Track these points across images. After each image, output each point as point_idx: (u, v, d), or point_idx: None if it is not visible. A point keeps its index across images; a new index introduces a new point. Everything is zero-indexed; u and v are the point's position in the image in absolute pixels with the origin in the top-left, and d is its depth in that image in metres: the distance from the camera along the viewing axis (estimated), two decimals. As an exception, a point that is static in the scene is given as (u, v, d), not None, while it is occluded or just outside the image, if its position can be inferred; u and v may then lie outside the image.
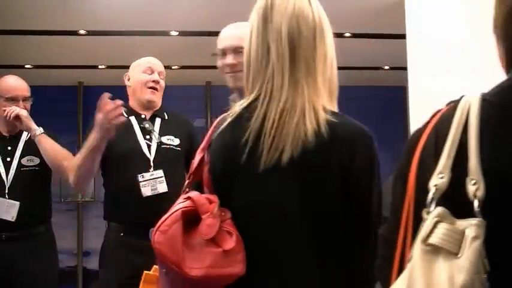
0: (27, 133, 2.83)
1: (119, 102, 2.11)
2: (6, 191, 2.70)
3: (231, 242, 1.09)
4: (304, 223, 1.13)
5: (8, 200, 2.68)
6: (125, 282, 2.24)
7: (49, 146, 2.70)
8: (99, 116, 2.13)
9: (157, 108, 2.51)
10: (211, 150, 1.21)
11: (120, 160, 2.36)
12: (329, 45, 1.23)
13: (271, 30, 1.19)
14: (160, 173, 2.34)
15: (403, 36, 3.58)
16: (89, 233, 5.98)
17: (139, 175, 2.32)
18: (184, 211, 1.11)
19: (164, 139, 2.42)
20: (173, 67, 5.38)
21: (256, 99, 1.18)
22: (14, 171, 2.73)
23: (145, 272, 1.57)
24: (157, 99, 2.50)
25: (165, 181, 2.34)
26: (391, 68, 5.62)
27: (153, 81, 2.47)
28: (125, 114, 2.41)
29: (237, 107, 1.21)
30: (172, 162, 2.39)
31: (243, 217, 1.14)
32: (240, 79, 1.49)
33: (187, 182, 1.24)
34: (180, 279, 1.08)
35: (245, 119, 1.17)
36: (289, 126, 1.13)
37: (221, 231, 1.10)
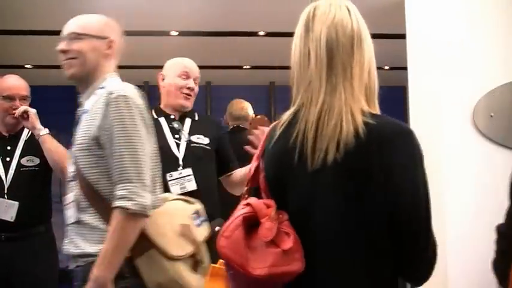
0: (26, 133, 2.83)
1: None
2: (5, 191, 2.69)
3: (289, 242, 1.17)
4: (353, 220, 1.20)
5: (6, 200, 2.68)
6: None
7: (53, 147, 2.71)
8: None
9: (188, 110, 2.54)
10: (265, 157, 1.30)
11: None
12: (367, 52, 1.33)
13: (311, 38, 1.28)
14: (189, 171, 2.37)
15: (403, 36, 3.58)
16: (89, 233, 5.98)
17: (167, 174, 2.33)
18: (245, 217, 1.21)
19: (194, 138, 2.45)
20: (173, 67, 5.39)
21: (302, 104, 1.26)
22: (13, 171, 2.73)
23: (212, 265, 1.66)
24: (190, 104, 2.52)
25: (193, 179, 2.36)
26: (391, 68, 5.62)
27: (188, 87, 2.48)
28: (154, 115, 2.47)
29: (286, 114, 1.29)
30: (201, 160, 2.42)
31: (298, 218, 1.21)
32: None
33: (245, 189, 1.33)
34: (245, 279, 1.17)
35: (292, 124, 1.25)
36: (328, 128, 1.20)
37: (279, 233, 1.18)
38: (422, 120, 3.36)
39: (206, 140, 2.47)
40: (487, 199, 3.16)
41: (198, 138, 2.45)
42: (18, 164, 2.75)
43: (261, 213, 1.20)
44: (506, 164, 3.18)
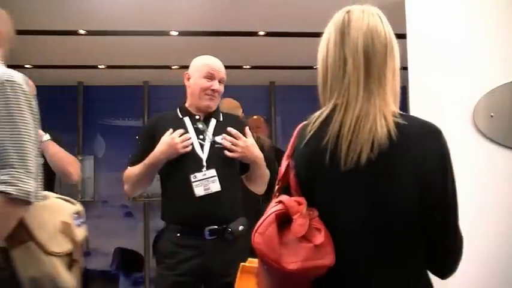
0: None
1: (188, 136, 2.36)
2: None
3: (320, 237, 1.23)
4: (382, 218, 1.25)
5: None
6: (178, 279, 2.31)
7: (55, 153, 2.71)
8: (167, 145, 2.32)
9: (212, 110, 2.54)
10: (296, 156, 1.36)
11: (174, 161, 2.38)
12: (397, 60, 1.39)
13: (347, 43, 1.33)
14: (213, 172, 2.36)
15: (403, 36, 3.57)
16: (89, 233, 5.97)
17: (191, 175, 2.34)
18: (277, 214, 1.27)
19: (218, 138, 2.44)
20: (173, 67, 5.38)
21: (335, 107, 1.33)
22: None
23: (241, 264, 1.71)
24: (214, 105, 2.52)
25: (217, 180, 2.36)
26: (391, 68, 5.62)
27: (212, 89, 2.48)
28: (179, 114, 2.49)
29: (316, 115, 1.37)
30: (225, 162, 2.41)
31: (327, 215, 1.27)
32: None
33: (276, 187, 1.38)
34: (279, 273, 1.23)
35: (325, 125, 1.32)
36: (364, 132, 1.26)
37: (311, 228, 1.24)
38: (423, 120, 3.36)
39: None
40: (487, 199, 3.16)
41: (222, 139, 2.43)
42: None
43: (292, 210, 1.26)
44: (506, 164, 3.18)
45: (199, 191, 2.33)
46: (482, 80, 3.21)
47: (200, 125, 2.46)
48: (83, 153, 6.02)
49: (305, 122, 1.41)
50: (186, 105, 2.53)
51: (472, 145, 3.18)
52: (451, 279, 3.12)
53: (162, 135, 2.39)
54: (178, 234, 2.35)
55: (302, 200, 1.29)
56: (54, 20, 4.13)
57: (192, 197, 2.32)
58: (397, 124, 1.27)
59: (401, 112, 1.34)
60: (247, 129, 2.47)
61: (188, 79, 2.53)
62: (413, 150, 1.25)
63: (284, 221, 1.27)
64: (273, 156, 3.61)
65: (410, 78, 3.51)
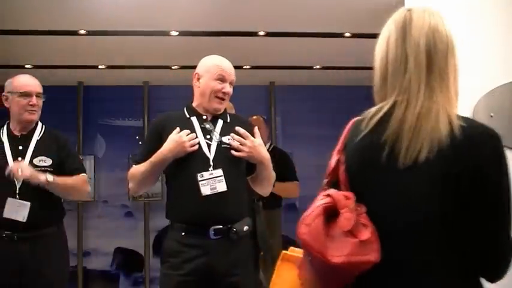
0: (39, 132, 2.84)
1: (194, 135, 2.37)
2: (17, 191, 2.68)
3: (366, 233, 1.23)
4: (435, 219, 1.25)
5: (18, 201, 2.67)
6: (183, 279, 2.31)
7: (60, 187, 2.76)
8: (175, 142, 2.33)
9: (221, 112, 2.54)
10: (348, 151, 1.37)
11: (180, 160, 2.38)
12: (457, 60, 1.37)
13: (409, 41, 1.34)
14: (219, 172, 2.36)
15: (403, 36, 3.58)
16: (89, 233, 5.98)
17: (198, 174, 2.34)
18: (325, 207, 1.27)
19: (225, 139, 2.44)
20: (173, 67, 5.38)
21: (394, 103, 1.33)
22: None
23: (283, 251, 1.69)
24: (223, 107, 2.52)
25: (224, 180, 2.35)
26: (391, 68, 5.62)
27: (224, 92, 2.48)
28: (187, 114, 2.49)
29: (372, 111, 1.38)
30: (232, 162, 2.41)
31: (376, 212, 1.26)
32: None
33: (325, 180, 1.40)
34: (322, 266, 1.23)
35: (384, 121, 1.31)
36: (425, 130, 1.26)
37: (357, 224, 1.24)
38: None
39: (237, 142, 2.45)
40: (487, 199, 3.15)
41: (228, 139, 2.43)
42: (30, 164, 2.73)
43: (340, 204, 1.27)
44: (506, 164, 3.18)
45: (205, 190, 2.33)
46: (482, 80, 3.21)
47: (207, 125, 2.46)
48: (83, 153, 6.02)
49: (359, 118, 1.41)
50: (194, 105, 2.53)
51: (472, 145, 3.18)
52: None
53: (169, 134, 2.39)
54: (183, 233, 2.35)
55: (350, 194, 1.29)
56: (54, 20, 4.13)
57: (198, 196, 2.32)
58: (459, 126, 1.26)
59: (461, 115, 1.32)
60: (256, 129, 2.47)
61: (198, 79, 2.52)
62: (472, 153, 1.24)
63: (331, 214, 1.27)
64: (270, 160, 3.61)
65: (410, 78, 3.52)
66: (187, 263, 2.31)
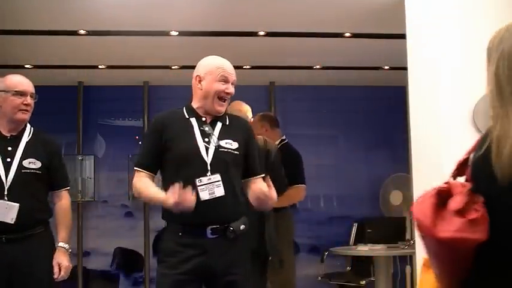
0: (28, 134, 2.83)
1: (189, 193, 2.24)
2: (5, 192, 2.67)
3: (476, 214, 1.26)
4: None
5: (7, 202, 2.66)
6: (180, 278, 2.32)
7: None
8: (172, 199, 2.24)
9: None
10: (477, 154, 1.37)
11: (179, 162, 2.39)
12: None
13: None
14: (217, 177, 2.36)
15: (403, 36, 3.58)
16: (89, 233, 5.98)
17: (197, 179, 2.34)
18: (439, 190, 1.32)
19: (222, 143, 2.44)
20: (173, 67, 5.38)
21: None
22: (13, 173, 2.70)
23: (424, 257, 1.70)
24: (225, 109, 2.51)
25: (222, 185, 2.36)
26: (391, 68, 5.62)
27: (227, 92, 2.47)
28: (186, 115, 2.48)
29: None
30: (229, 166, 2.42)
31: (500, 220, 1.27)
32: None
33: (451, 175, 1.40)
34: (432, 241, 1.29)
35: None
36: None
37: (469, 207, 1.27)
38: (422, 120, 3.36)
39: (235, 145, 2.46)
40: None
41: (226, 143, 2.44)
42: (19, 166, 2.73)
43: (455, 189, 1.31)
44: None
45: (204, 195, 2.34)
46: (482, 80, 3.21)
47: (206, 128, 2.45)
48: (83, 153, 6.02)
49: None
50: (194, 106, 2.51)
51: (472, 145, 3.18)
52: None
53: (169, 134, 2.40)
54: (180, 234, 2.36)
55: (468, 184, 1.32)
56: (55, 20, 4.13)
57: (197, 201, 2.31)
58: None
59: None
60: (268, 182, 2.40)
61: (200, 81, 2.50)
62: None
63: (446, 198, 1.31)
64: (279, 163, 3.60)
65: (410, 78, 3.52)
66: (185, 262, 2.32)
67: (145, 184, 2.43)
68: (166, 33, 4.45)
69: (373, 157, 6.36)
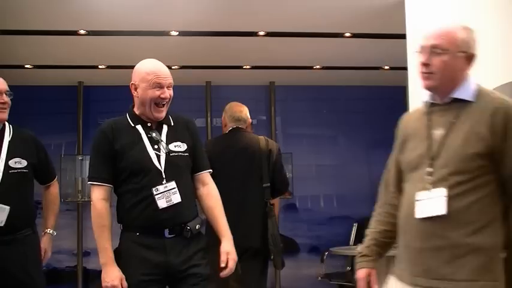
0: (8, 133, 2.78)
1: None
2: None
3: None
4: None
5: None
6: (143, 278, 2.32)
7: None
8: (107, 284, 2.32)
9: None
10: None
11: (132, 173, 2.37)
12: None
13: None
14: (173, 184, 2.36)
15: (403, 36, 3.58)
16: (89, 233, 5.97)
17: (153, 189, 2.34)
18: None
19: (171, 146, 2.42)
20: (173, 67, 5.37)
21: None
22: (1, 174, 2.67)
23: None
24: (164, 113, 2.46)
25: (178, 192, 2.36)
26: (391, 68, 5.62)
27: (162, 97, 2.41)
28: (130, 122, 2.45)
29: None
30: (182, 170, 2.43)
31: None
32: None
33: None
34: None
35: None
36: None
37: None
38: (422, 120, 3.36)
39: (184, 147, 2.45)
40: (487, 199, 3.15)
41: (175, 146, 2.43)
42: (6, 166, 2.69)
43: None
44: (506, 164, 3.18)
45: (161, 203, 2.33)
46: (482, 80, 3.20)
47: (154, 134, 2.42)
48: (83, 153, 6.02)
49: None
50: (137, 112, 2.46)
51: (472, 145, 3.18)
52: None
53: (119, 144, 2.37)
54: (137, 234, 2.37)
55: None
56: (54, 20, 4.13)
57: (154, 209, 2.33)
58: None
59: None
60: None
61: (135, 89, 2.45)
62: None
63: None
64: (280, 163, 3.60)
65: (410, 78, 3.52)
66: (143, 262, 2.33)
67: (103, 223, 2.49)
68: (166, 33, 4.45)
69: (373, 157, 6.35)
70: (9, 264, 2.66)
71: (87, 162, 6.02)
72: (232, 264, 2.40)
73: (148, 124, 2.45)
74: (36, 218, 2.92)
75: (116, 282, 2.28)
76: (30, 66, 5.22)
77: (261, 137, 3.60)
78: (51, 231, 2.95)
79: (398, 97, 5.93)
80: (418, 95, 3.46)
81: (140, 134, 2.42)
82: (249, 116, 3.68)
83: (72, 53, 4.94)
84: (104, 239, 2.42)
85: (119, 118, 2.50)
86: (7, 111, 2.77)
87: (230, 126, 3.62)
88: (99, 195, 2.47)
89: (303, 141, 6.38)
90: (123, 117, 2.49)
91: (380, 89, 6.22)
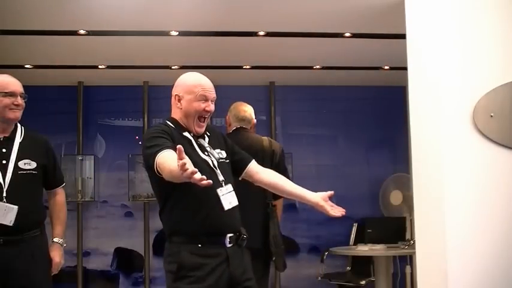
0: (19, 135, 2.82)
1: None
2: (4, 194, 2.67)
3: None
4: None
5: (6, 204, 2.66)
6: None
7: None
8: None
9: None
10: None
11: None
12: None
13: None
14: (230, 187, 2.42)
15: (403, 36, 3.57)
16: (89, 233, 5.98)
17: (218, 190, 2.37)
18: None
19: (215, 153, 2.47)
20: (173, 67, 5.37)
21: None
22: (11, 174, 2.70)
23: None
24: (204, 128, 2.50)
25: (235, 194, 2.42)
26: (391, 68, 5.62)
27: (207, 110, 2.44)
28: (179, 130, 2.42)
29: None
30: (231, 176, 2.50)
31: None
32: None
33: None
34: None
35: None
36: None
37: None
38: (422, 120, 3.36)
39: (224, 154, 2.51)
40: (487, 198, 3.15)
41: (218, 153, 2.48)
42: (16, 167, 2.73)
43: None
44: (506, 164, 3.18)
45: (226, 204, 2.37)
46: (482, 80, 3.21)
47: (202, 141, 2.47)
48: (83, 153, 6.02)
49: None
50: (181, 122, 2.45)
51: (472, 145, 3.18)
52: (452, 279, 3.12)
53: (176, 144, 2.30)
54: (200, 245, 2.32)
55: None
56: (54, 20, 4.13)
57: (220, 210, 2.35)
58: None
59: None
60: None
61: (179, 100, 2.44)
62: None
63: None
64: (283, 164, 3.60)
65: (410, 78, 3.52)
66: (211, 274, 2.29)
67: (169, 156, 2.15)
68: (166, 33, 4.45)
69: (373, 157, 6.36)
70: (17, 264, 2.67)
71: (87, 162, 6.06)
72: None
73: (192, 134, 2.46)
74: (45, 219, 2.92)
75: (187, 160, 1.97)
76: (30, 66, 5.22)
77: (265, 138, 3.60)
78: (60, 241, 2.93)
79: (398, 97, 5.94)
80: (418, 95, 3.47)
81: (191, 140, 2.42)
82: (254, 117, 3.68)
83: (72, 53, 4.94)
84: (171, 165, 2.07)
85: (164, 125, 2.44)
86: (20, 112, 2.80)
87: (234, 126, 3.62)
88: (169, 154, 2.15)
89: (303, 141, 6.37)
90: (165, 124, 2.44)
91: (380, 89, 6.22)
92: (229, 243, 2.36)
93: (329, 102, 6.39)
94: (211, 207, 2.34)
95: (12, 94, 2.76)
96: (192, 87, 2.44)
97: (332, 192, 2.47)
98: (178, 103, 2.45)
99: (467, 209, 3.14)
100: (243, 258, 2.42)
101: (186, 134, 2.43)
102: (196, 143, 2.43)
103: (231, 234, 2.37)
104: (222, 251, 2.34)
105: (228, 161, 2.51)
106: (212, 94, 2.48)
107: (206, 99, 2.44)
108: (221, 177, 2.39)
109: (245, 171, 2.58)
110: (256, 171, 2.60)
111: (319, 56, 5.27)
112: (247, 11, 4.09)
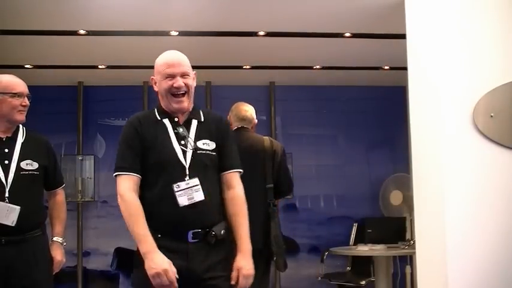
0: (21, 135, 2.82)
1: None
2: (7, 195, 2.67)
3: None
4: None
5: (8, 205, 2.66)
6: None
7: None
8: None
9: (189, 110, 2.42)
10: None
11: (155, 168, 2.31)
12: None
13: None
14: (196, 181, 2.29)
15: (403, 36, 3.58)
16: (89, 233, 5.98)
17: (174, 185, 2.27)
18: None
19: (200, 143, 2.35)
20: (173, 67, 5.38)
21: None
22: (13, 175, 2.70)
23: None
24: (186, 104, 2.38)
25: (201, 189, 2.29)
26: (391, 68, 5.62)
27: (176, 87, 2.35)
28: (157, 116, 2.40)
29: None
30: (208, 169, 2.35)
31: None
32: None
33: None
34: None
35: None
36: None
37: None
38: (422, 120, 3.36)
39: (212, 145, 2.38)
40: (486, 198, 3.16)
41: (204, 143, 2.36)
42: (18, 168, 2.73)
43: None
44: (506, 164, 3.18)
45: (182, 200, 2.26)
46: (482, 80, 3.21)
47: (181, 130, 2.35)
48: (83, 153, 6.02)
49: None
50: (163, 106, 2.41)
51: (472, 145, 3.18)
52: (452, 279, 3.12)
53: (147, 138, 2.31)
54: (159, 236, 2.26)
55: None
56: (54, 20, 4.13)
57: (175, 207, 2.26)
58: None
59: None
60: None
61: (155, 83, 2.42)
62: None
63: None
64: (285, 165, 3.59)
65: (410, 78, 3.52)
66: None
67: (136, 212, 2.28)
68: (166, 33, 4.45)
69: (373, 157, 6.36)
70: (18, 264, 2.67)
71: (87, 162, 6.06)
72: (243, 282, 2.28)
73: (176, 119, 2.39)
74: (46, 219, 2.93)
75: (166, 266, 2.15)
76: (30, 66, 5.22)
77: (266, 138, 3.60)
78: (60, 240, 2.93)
79: (398, 97, 5.94)
80: (418, 95, 3.47)
81: (166, 128, 2.36)
82: (255, 117, 3.68)
83: (72, 53, 4.94)
84: (140, 226, 2.24)
85: (147, 112, 2.47)
86: (25, 114, 2.81)
87: (235, 125, 3.61)
88: (128, 186, 2.34)
89: (303, 141, 6.37)
90: (150, 111, 2.45)
91: (380, 89, 6.22)
92: (193, 238, 2.26)
93: (329, 102, 6.39)
94: (167, 202, 2.26)
95: (20, 95, 2.77)
96: (159, 67, 2.39)
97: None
98: (155, 86, 2.43)
99: (467, 209, 3.14)
100: (210, 255, 2.28)
101: (165, 121, 2.37)
102: (174, 131, 2.35)
103: (195, 230, 2.26)
104: (183, 246, 2.25)
105: (214, 153, 2.38)
106: (179, 69, 2.38)
107: (173, 76, 2.36)
108: (187, 171, 2.29)
109: (221, 174, 2.43)
110: (228, 185, 2.41)
111: (319, 56, 5.27)
112: (247, 11, 4.09)
